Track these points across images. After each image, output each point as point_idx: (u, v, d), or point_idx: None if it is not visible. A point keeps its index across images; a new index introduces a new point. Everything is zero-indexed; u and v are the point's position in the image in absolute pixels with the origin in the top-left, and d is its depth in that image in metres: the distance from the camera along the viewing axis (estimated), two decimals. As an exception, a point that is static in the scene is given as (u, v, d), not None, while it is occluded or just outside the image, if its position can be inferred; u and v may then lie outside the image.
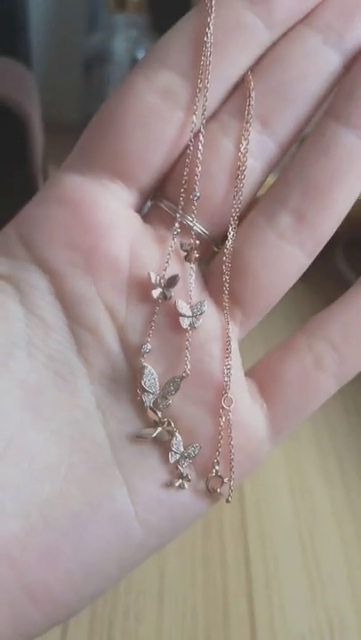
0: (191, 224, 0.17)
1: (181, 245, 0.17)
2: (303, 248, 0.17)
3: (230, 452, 0.17)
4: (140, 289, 0.17)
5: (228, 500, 0.18)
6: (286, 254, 0.17)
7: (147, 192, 0.18)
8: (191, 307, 0.17)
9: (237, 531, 0.31)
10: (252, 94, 0.17)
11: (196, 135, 0.17)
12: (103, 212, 0.17)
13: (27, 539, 0.15)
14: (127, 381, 0.17)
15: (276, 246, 0.17)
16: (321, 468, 0.35)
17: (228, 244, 0.18)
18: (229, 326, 0.18)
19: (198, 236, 0.18)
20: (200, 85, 0.17)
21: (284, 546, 0.31)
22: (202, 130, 0.17)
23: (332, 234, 0.18)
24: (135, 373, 0.17)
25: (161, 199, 0.18)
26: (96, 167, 0.17)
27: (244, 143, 0.17)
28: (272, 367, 0.18)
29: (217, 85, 0.17)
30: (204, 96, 0.17)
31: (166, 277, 0.17)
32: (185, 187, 0.17)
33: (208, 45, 0.16)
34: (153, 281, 0.17)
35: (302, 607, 0.28)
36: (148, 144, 0.17)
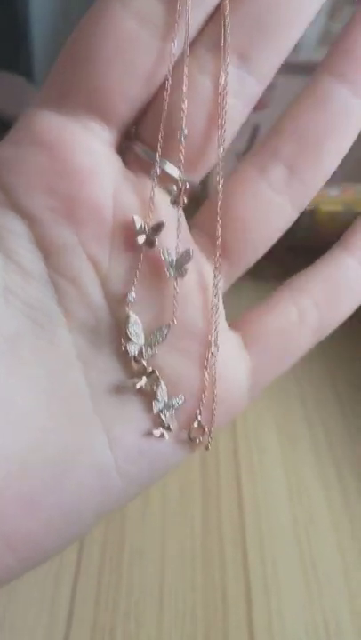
0: (174, 168, 0.17)
1: (168, 190, 0.17)
2: (293, 202, 0.17)
3: (213, 403, 0.17)
4: (125, 237, 0.16)
5: (207, 448, 0.18)
6: (277, 207, 0.17)
7: (125, 130, 0.17)
8: (178, 255, 0.17)
9: (236, 534, 0.32)
10: (228, 25, 0.16)
11: (175, 68, 0.16)
12: (84, 154, 0.16)
13: (4, 487, 0.15)
14: (110, 332, 0.17)
15: (268, 198, 0.17)
16: (318, 472, 0.35)
17: (219, 190, 0.17)
18: (216, 277, 0.17)
19: (177, 180, 0.17)
20: (180, 10, 0.15)
21: (282, 549, 0.31)
22: (185, 61, 0.16)
23: (317, 190, 0.18)
24: (119, 323, 0.17)
25: (135, 141, 0.17)
26: (73, 103, 0.16)
27: (223, 80, 0.16)
28: (256, 320, 0.19)
29: (196, 11, 0.16)
30: (186, 23, 0.15)
31: (151, 224, 0.16)
32: (163, 126, 0.16)
33: None
34: (138, 227, 0.16)
35: (300, 610, 0.29)
36: (129, 76, 0.15)
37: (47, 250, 0.16)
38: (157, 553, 0.31)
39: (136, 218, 0.16)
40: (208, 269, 0.18)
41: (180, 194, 0.17)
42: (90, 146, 0.16)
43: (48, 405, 0.16)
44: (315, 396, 0.40)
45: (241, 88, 0.16)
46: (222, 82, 0.16)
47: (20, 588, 0.29)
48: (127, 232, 0.16)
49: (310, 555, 0.31)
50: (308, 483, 0.35)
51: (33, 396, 0.16)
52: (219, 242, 0.17)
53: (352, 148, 0.18)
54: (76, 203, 0.16)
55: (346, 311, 0.19)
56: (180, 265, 0.16)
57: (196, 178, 0.17)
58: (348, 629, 0.28)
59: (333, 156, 0.17)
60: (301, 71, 0.34)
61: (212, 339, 0.17)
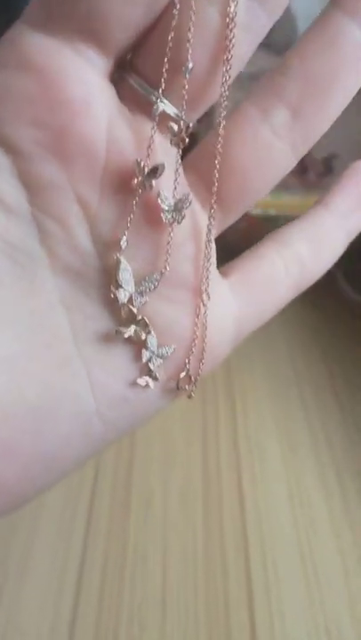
0: (172, 106, 0.15)
1: (169, 128, 0.15)
2: (294, 148, 0.16)
3: (203, 352, 0.17)
4: (118, 178, 0.15)
5: (190, 396, 0.18)
6: (278, 152, 0.16)
7: (124, 55, 0.15)
8: (175, 200, 0.15)
9: (238, 540, 0.32)
10: None
11: None
12: (77, 82, 0.14)
13: None
14: (96, 277, 0.16)
15: (269, 143, 0.16)
16: (319, 480, 0.36)
17: (220, 133, 0.16)
18: (210, 224, 0.16)
19: (177, 119, 0.15)
20: None
21: (284, 555, 0.32)
22: None
23: (320, 136, 0.17)
24: (107, 269, 0.16)
25: (130, 72, 0.15)
26: (65, 25, 0.14)
27: (232, 10, 0.14)
28: (244, 268, 0.18)
29: None
30: None
31: (150, 166, 0.15)
32: (166, 58, 0.14)
33: None
34: (138, 168, 0.15)
35: (301, 614, 0.29)
36: None
37: (32, 187, 0.15)
38: (160, 558, 0.31)
39: (138, 159, 0.15)
40: (201, 216, 0.17)
41: (180, 133, 0.15)
42: (84, 74, 0.14)
43: (29, 349, 0.15)
44: (315, 401, 0.41)
45: (251, 21, 0.15)
46: (231, 12, 0.14)
47: (24, 592, 0.29)
48: (120, 172, 0.15)
49: (311, 560, 0.31)
50: (308, 487, 0.35)
51: (12, 341, 0.15)
52: (215, 188, 0.16)
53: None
54: (66, 136, 0.14)
55: (325, 266, 0.19)
56: (178, 210, 0.15)
57: (194, 116, 0.16)
58: (349, 634, 0.28)
59: (341, 99, 0.16)
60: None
61: (204, 288, 0.17)
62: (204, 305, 0.17)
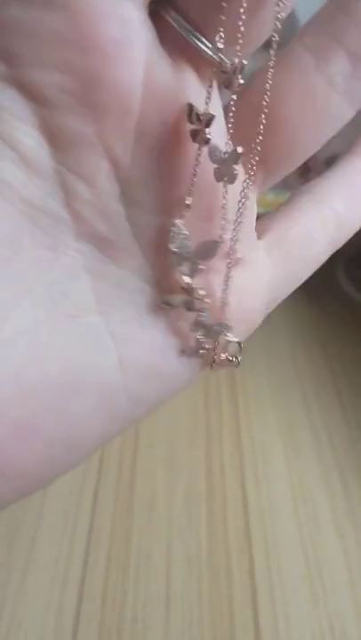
0: (219, 42, 0.12)
1: (220, 67, 0.13)
2: (353, 101, 0.14)
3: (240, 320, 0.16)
4: (155, 132, 0.13)
5: (237, 364, 0.17)
6: (334, 107, 0.14)
7: None
8: (227, 154, 0.13)
9: (242, 541, 0.32)
10: None
11: None
12: (113, 20, 0.12)
13: (1, 413, 0.13)
14: (126, 242, 0.15)
15: (323, 95, 0.14)
16: (323, 480, 0.36)
17: (268, 81, 0.13)
18: (246, 183, 0.15)
19: (219, 64, 0.13)
20: None
21: (288, 556, 0.32)
22: None
23: None
24: (137, 233, 0.14)
25: (166, 6, 0.13)
26: None
27: None
28: (279, 228, 0.17)
29: None
30: None
31: (203, 116, 0.13)
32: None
33: None
34: (193, 115, 0.13)
35: (305, 615, 0.29)
36: None
37: (55, 140, 0.13)
38: (164, 557, 0.31)
39: (193, 105, 0.13)
40: (245, 179, 0.15)
41: (233, 74, 0.13)
42: (121, 10, 0.12)
43: (50, 320, 0.14)
44: (317, 400, 0.41)
45: None
46: None
47: (28, 591, 0.29)
48: (159, 126, 0.13)
49: (315, 561, 0.32)
50: (311, 487, 0.35)
51: (31, 311, 0.14)
52: (258, 145, 0.14)
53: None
54: (98, 83, 0.12)
55: (359, 221, 0.18)
56: (230, 166, 0.13)
57: (245, 54, 0.13)
58: (353, 634, 0.28)
59: None
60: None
61: (233, 251, 0.15)
62: (231, 268, 0.15)
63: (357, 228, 0.18)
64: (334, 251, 0.18)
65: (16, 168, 0.13)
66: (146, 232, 0.14)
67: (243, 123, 0.14)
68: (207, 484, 0.35)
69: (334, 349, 0.44)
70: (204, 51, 0.13)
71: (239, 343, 0.16)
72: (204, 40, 0.13)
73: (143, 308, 0.15)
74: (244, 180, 0.14)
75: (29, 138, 0.13)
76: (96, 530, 0.32)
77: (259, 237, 0.16)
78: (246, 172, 0.14)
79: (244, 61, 0.12)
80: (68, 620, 0.28)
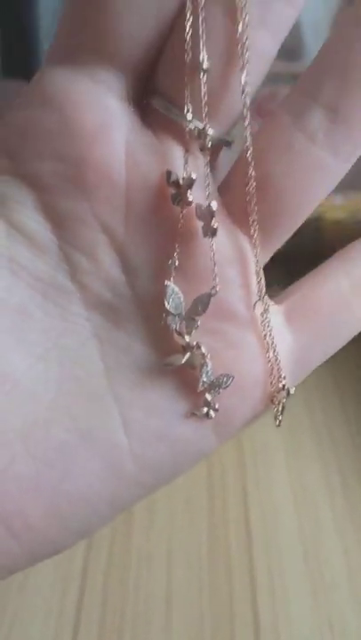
0: (198, 116, 0.14)
1: (197, 134, 0.14)
2: (337, 153, 0.14)
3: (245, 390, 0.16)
4: (143, 202, 0.14)
5: (279, 424, 0.16)
6: (317, 162, 0.14)
7: (143, 83, 0.15)
8: (202, 211, 0.14)
9: (242, 540, 0.32)
10: None
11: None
12: (92, 110, 0.14)
13: (6, 469, 0.14)
14: (130, 308, 0.15)
15: (305, 152, 0.14)
16: (324, 480, 0.36)
17: (249, 146, 0.14)
18: (250, 248, 0.15)
19: (200, 131, 0.14)
20: None
21: (288, 555, 0.32)
22: None
23: None
24: (145, 297, 0.15)
25: (153, 94, 0.15)
26: (80, 52, 0.14)
27: (241, 6, 0.13)
28: (303, 293, 0.16)
29: None
30: None
31: (183, 179, 0.14)
32: (180, 65, 0.13)
33: None
34: (171, 181, 0.14)
35: (305, 614, 0.29)
36: (136, 11, 0.13)
37: (56, 220, 0.15)
38: (164, 559, 0.31)
39: (171, 171, 0.14)
40: (245, 239, 0.15)
41: (205, 143, 0.14)
42: (100, 101, 0.14)
43: (58, 384, 0.15)
44: (319, 401, 0.41)
45: (264, 14, 0.13)
46: (240, 9, 0.13)
47: (28, 591, 0.29)
48: (145, 195, 0.14)
49: (316, 560, 0.32)
50: (313, 490, 0.35)
51: (41, 376, 0.15)
52: (252, 210, 0.15)
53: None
54: (84, 166, 0.14)
55: None
56: (208, 221, 0.14)
57: (221, 128, 0.15)
58: (353, 633, 0.29)
59: None
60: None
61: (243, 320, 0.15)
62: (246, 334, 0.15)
63: None
64: None
65: (24, 248, 0.15)
66: (146, 297, 0.15)
67: (236, 190, 0.15)
68: (208, 483, 0.35)
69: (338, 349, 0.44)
70: (179, 122, 0.14)
71: (287, 390, 0.16)
72: (178, 112, 0.14)
73: (147, 371, 0.16)
74: (252, 247, 0.15)
75: (33, 220, 0.15)
76: (96, 534, 0.32)
77: (278, 303, 0.16)
78: (243, 231, 0.15)
79: (210, 128, 0.14)
80: (69, 620, 0.28)
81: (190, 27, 0.13)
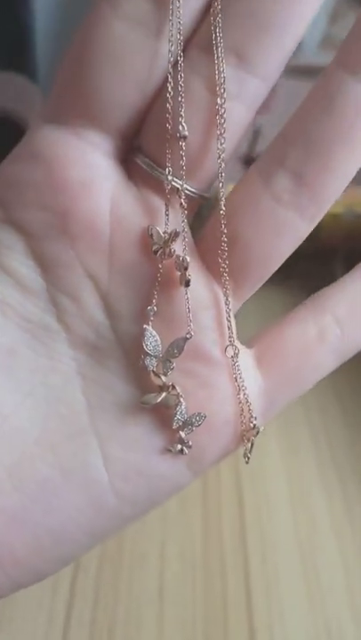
0: (178, 175, 0.16)
1: (176, 191, 0.16)
2: (303, 213, 0.16)
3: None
4: (126, 252, 0.16)
5: (247, 460, 0.18)
6: (282, 221, 0.16)
7: (129, 142, 0.16)
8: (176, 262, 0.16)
9: (237, 540, 0.32)
10: (220, 22, 0.14)
11: (173, 67, 0.15)
12: (77, 167, 0.15)
13: None
14: (112, 349, 0.16)
15: (271, 211, 0.16)
16: (320, 479, 0.35)
17: (221, 206, 0.16)
18: (223, 296, 0.16)
19: (180, 190, 0.16)
20: (171, 8, 0.14)
21: (284, 555, 0.31)
22: (180, 61, 0.15)
23: (336, 197, 0.16)
24: (126, 340, 0.16)
25: (137, 153, 0.16)
26: (68, 113, 0.15)
27: (218, 82, 0.15)
28: (272, 338, 0.18)
29: (186, 9, 0.14)
30: (178, 20, 0.14)
31: (163, 233, 0.16)
32: (163, 132, 0.15)
33: None
34: (156, 236, 0.16)
35: (301, 616, 0.29)
36: (122, 79, 0.15)
37: (45, 265, 0.16)
38: (157, 557, 0.31)
39: (155, 228, 0.16)
40: (214, 288, 0.17)
41: (183, 202, 0.16)
42: (85, 158, 0.15)
43: (43, 421, 0.16)
44: (316, 400, 0.40)
45: (240, 89, 0.15)
46: (218, 84, 0.15)
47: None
48: (129, 246, 0.16)
49: (312, 561, 0.31)
50: (309, 490, 0.35)
51: (28, 413, 0.16)
52: (224, 263, 0.16)
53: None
54: (69, 217, 0.15)
55: None
56: (182, 272, 0.16)
57: (200, 187, 0.16)
58: (349, 635, 0.28)
59: (349, 160, 0.15)
60: (303, 74, 0.35)
61: (214, 362, 0.17)
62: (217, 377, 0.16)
63: None
64: (344, 360, 0.18)
65: (13, 290, 0.16)
66: (127, 338, 0.16)
67: (211, 244, 0.16)
68: (202, 482, 0.34)
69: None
70: (161, 179, 0.15)
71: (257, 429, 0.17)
72: (160, 171, 0.15)
73: (127, 407, 0.17)
74: (224, 296, 0.16)
75: (23, 265, 0.16)
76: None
77: (249, 346, 0.18)
78: (217, 280, 0.16)
79: (188, 187, 0.16)
80: (59, 619, 0.28)
81: (171, 98, 0.15)
